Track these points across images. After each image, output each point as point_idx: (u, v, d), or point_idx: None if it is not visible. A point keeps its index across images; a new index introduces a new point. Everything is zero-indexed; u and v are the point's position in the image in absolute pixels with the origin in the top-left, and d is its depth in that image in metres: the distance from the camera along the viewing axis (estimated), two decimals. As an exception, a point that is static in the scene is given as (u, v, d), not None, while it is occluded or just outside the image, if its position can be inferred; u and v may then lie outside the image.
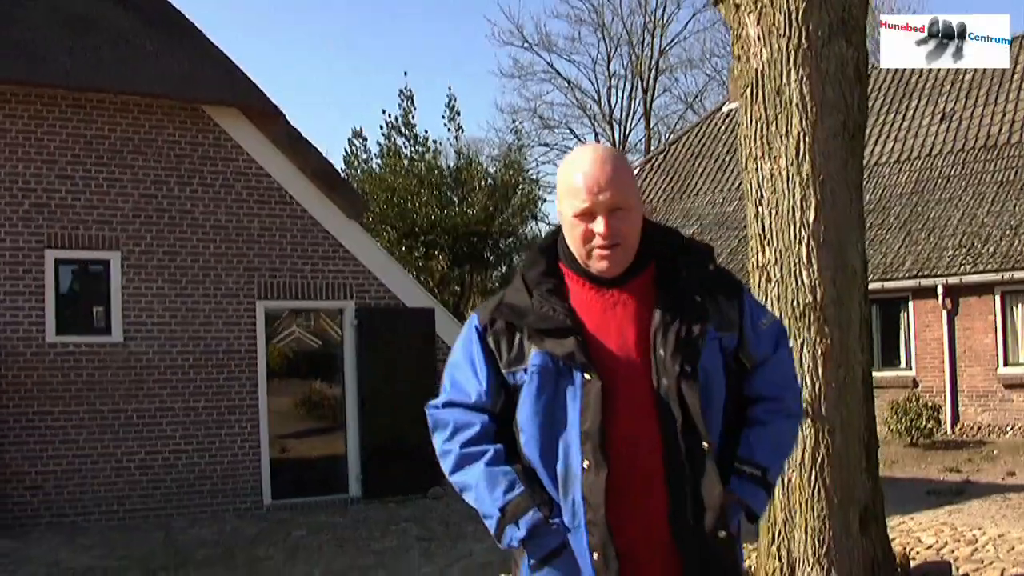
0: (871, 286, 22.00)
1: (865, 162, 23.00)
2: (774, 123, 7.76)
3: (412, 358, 17.77)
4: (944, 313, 24.30)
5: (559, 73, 63.91)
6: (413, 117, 39.30)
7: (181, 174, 16.52)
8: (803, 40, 7.67)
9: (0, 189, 15.22)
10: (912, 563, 8.96)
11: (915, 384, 24.40)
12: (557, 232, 3.71)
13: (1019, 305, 23.77)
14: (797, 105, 7.68)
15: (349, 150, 41.79)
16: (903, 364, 25.23)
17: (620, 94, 68.09)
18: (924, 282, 24.36)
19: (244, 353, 16.87)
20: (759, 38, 7.89)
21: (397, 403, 17.05)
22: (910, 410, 22.34)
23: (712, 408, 3.46)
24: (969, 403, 24.15)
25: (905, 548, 10.18)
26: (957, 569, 9.92)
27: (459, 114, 41.60)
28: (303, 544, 13.69)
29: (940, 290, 24.10)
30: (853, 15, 7.92)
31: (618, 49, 59.66)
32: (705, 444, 3.38)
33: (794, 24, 7.71)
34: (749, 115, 7.97)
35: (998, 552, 11.04)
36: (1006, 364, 23.63)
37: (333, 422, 18.35)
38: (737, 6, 8.09)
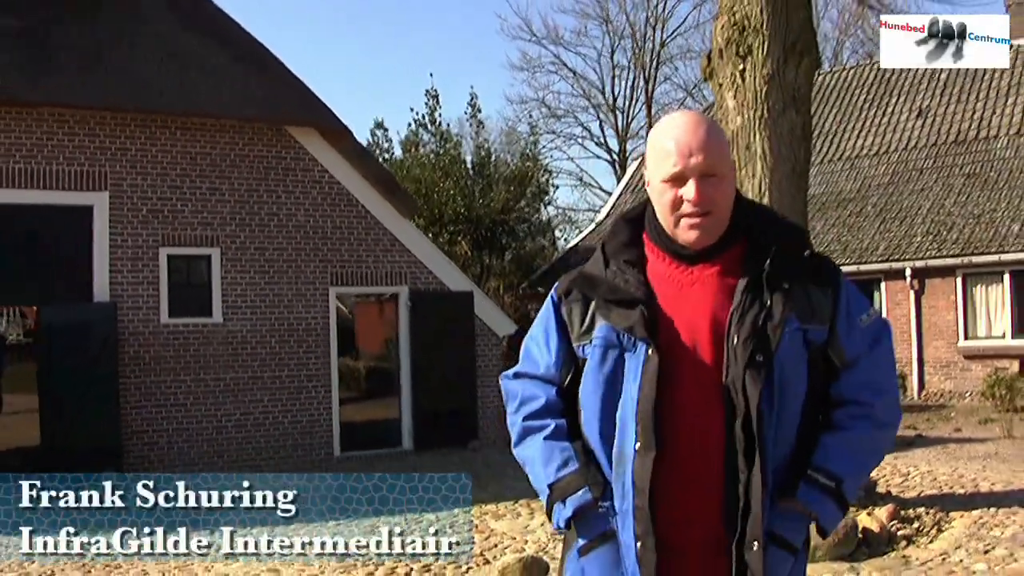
0: (848, 269, 25.18)
1: (847, 155, 26.46)
2: (744, 168, 11.03)
3: (455, 334, 20.77)
4: (912, 293, 26.93)
5: (565, 65, 65.94)
6: (439, 115, 42.14)
7: (268, 183, 19.41)
8: (765, 112, 10.96)
9: (123, 198, 18.02)
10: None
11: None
12: (646, 204, 3.48)
13: (978, 286, 26.28)
14: (760, 156, 10.97)
15: (372, 140, 44.85)
16: None
17: (623, 84, 70.26)
18: (894, 265, 26.95)
19: (319, 331, 19.85)
20: (735, 108, 11.18)
21: (442, 372, 20.38)
22: None
23: (786, 406, 3.19)
24: (934, 372, 26.84)
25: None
26: (883, 487, 13.08)
27: (480, 111, 44.62)
28: (381, 486, 16.58)
29: (908, 272, 26.70)
30: (801, 93, 11.22)
31: (621, 41, 61.89)
32: (757, 443, 3.12)
33: (759, 100, 11.00)
34: (727, 162, 11.26)
35: (922, 482, 14.10)
36: (966, 338, 26.31)
37: (389, 388, 21.31)
38: (720, 85, 11.38)
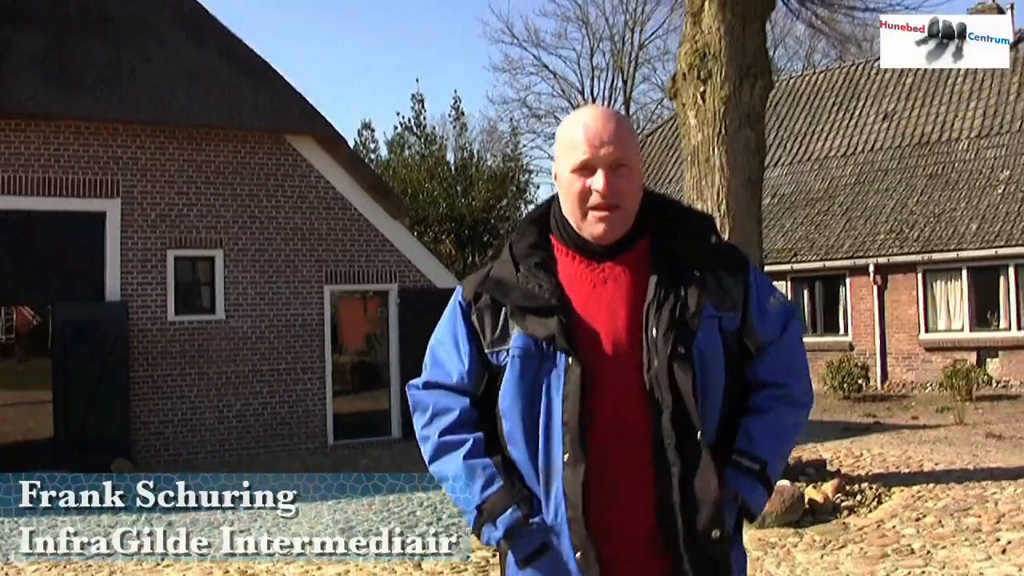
0: (815, 265, 26.45)
1: (816, 156, 27.77)
2: (704, 179, 12.32)
3: (441, 329, 21.93)
4: (875, 288, 28.18)
5: (546, 67, 66.92)
6: (424, 119, 43.49)
7: (268, 188, 20.61)
8: (723, 129, 12.24)
9: (134, 204, 19.18)
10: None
11: (851, 348, 28.26)
12: (550, 202, 3.45)
13: (938, 281, 27.54)
14: (719, 169, 12.26)
15: (359, 140, 46.18)
16: (842, 331, 29.07)
17: (602, 85, 71.09)
18: (859, 262, 28.22)
19: (314, 326, 21.06)
20: (696, 126, 12.48)
21: (429, 366, 21.55)
22: (843, 369, 26.15)
23: (709, 394, 3.17)
24: (896, 364, 28.06)
25: (801, 457, 14.52)
26: (835, 467, 14.37)
27: (463, 113, 45.88)
28: (371, 468, 17.65)
29: (872, 268, 27.97)
30: (755, 112, 12.52)
31: (600, 44, 63.05)
32: (699, 433, 3.09)
33: (718, 119, 12.29)
34: (689, 173, 12.56)
35: (872, 462, 15.36)
36: (927, 331, 27.58)
37: (378, 381, 22.50)
38: (683, 104, 12.68)
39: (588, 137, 3.19)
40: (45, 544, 11.02)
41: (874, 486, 12.66)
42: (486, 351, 3.31)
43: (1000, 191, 27.99)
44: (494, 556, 10.09)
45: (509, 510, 3.19)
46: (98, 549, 10.95)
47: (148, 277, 19.41)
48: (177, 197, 19.74)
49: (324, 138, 21.32)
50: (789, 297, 28.57)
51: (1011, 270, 26.49)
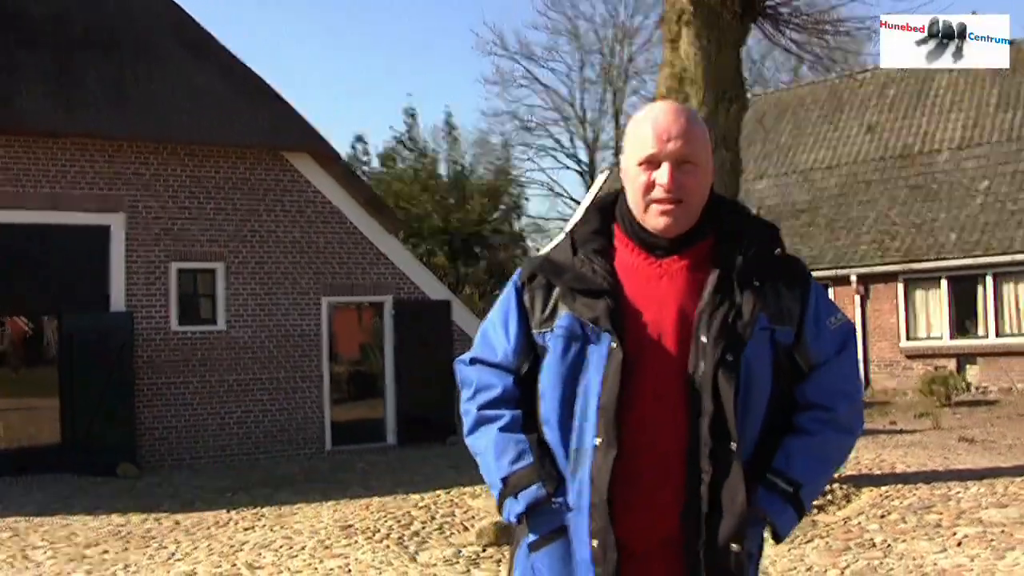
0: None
1: (801, 168, 28.43)
2: (684, 198, 13.01)
3: (434, 340, 22.59)
4: (858, 298, 28.76)
5: (537, 79, 67.12)
6: (416, 133, 44.23)
7: (267, 203, 21.35)
8: (700, 149, 12.95)
9: (138, 218, 19.93)
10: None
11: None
12: (619, 192, 3.37)
13: (918, 290, 28.25)
14: (697, 188, 12.97)
15: (352, 152, 46.77)
16: None
17: (592, 97, 71.37)
18: (841, 272, 28.85)
19: (312, 336, 21.80)
20: (675, 147, 13.19)
21: (422, 374, 22.27)
22: None
23: (750, 407, 3.10)
24: (879, 371, 28.79)
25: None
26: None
27: (455, 128, 46.68)
28: (367, 471, 18.30)
29: (854, 278, 28.67)
30: (731, 133, 13.23)
31: (590, 57, 63.43)
32: (733, 444, 3.01)
33: (695, 140, 13.00)
34: (669, 192, 13.27)
35: (845, 465, 16.00)
36: (908, 339, 28.34)
37: (374, 389, 23.20)
38: (662, 127, 13.38)
39: (656, 131, 3.17)
40: (60, 540, 11.67)
41: (844, 486, 13.31)
42: (533, 331, 3.27)
43: (979, 201, 28.60)
44: (484, 551, 10.82)
45: (534, 486, 3.16)
46: (111, 546, 11.66)
47: (152, 289, 20.14)
48: (179, 212, 20.48)
49: (320, 155, 22.10)
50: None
51: (989, 279, 27.19)
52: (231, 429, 20.92)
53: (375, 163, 46.52)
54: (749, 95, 37.02)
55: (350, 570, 10.35)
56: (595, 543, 3.06)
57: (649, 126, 3.19)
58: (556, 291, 3.24)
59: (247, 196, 21.27)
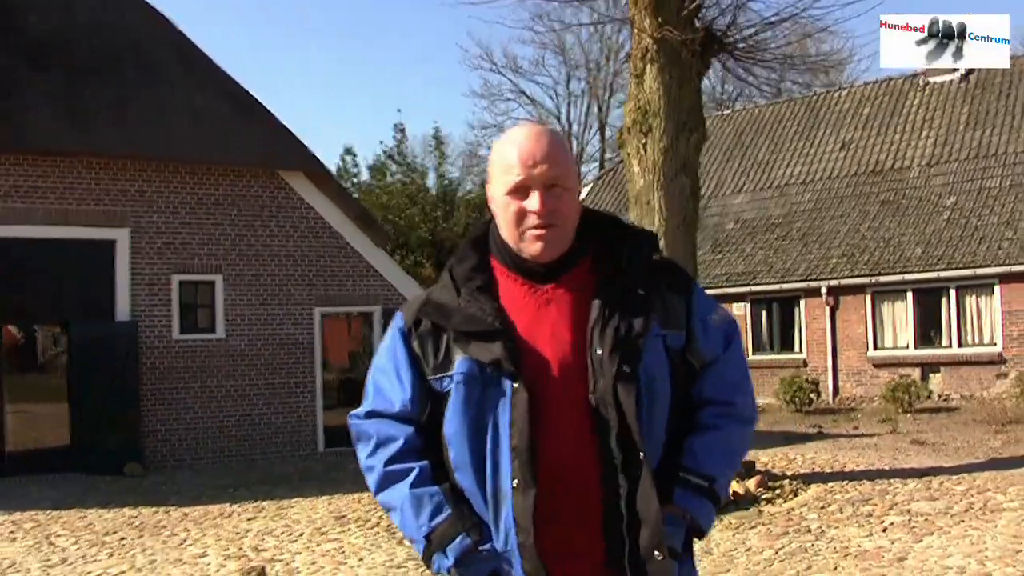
0: (772, 287, 28.12)
1: (777, 183, 29.46)
2: (645, 219, 14.16)
3: (421, 348, 23.72)
4: (828, 309, 29.83)
5: (524, 93, 66.89)
6: (405, 149, 45.49)
7: (263, 219, 22.52)
8: (662, 176, 14.16)
9: (142, 233, 21.06)
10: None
11: (805, 364, 29.93)
12: (489, 223, 3.30)
13: (885, 302, 29.33)
14: (658, 211, 14.16)
15: (341, 164, 48.12)
16: (796, 349, 30.73)
17: (578, 111, 72.01)
18: (812, 284, 29.91)
19: (306, 345, 22.99)
20: (639, 173, 14.41)
21: (411, 380, 23.36)
22: (795, 384, 27.69)
23: (655, 414, 3.07)
24: (847, 379, 29.80)
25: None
26: (770, 468, 16.24)
27: (443, 143, 47.86)
28: (360, 471, 19.34)
29: (824, 290, 29.68)
30: (690, 161, 14.45)
31: (576, 71, 64.32)
32: (641, 453, 2.97)
33: (657, 167, 14.21)
34: (633, 213, 14.46)
35: (802, 464, 17.04)
36: (875, 348, 29.38)
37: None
38: (628, 154, 14.62)
39: (522, 158, 3.08)
40: (80, 529, 12.85)
41: (793, 482, 14.54)
42: (429, 378, 3.16)
43: (945, 217, 29.67)
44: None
45: (459, 538, 3.07)
46: (127, 533, 12.85)
47: (155, 299, 21.27)
48: (181, 227, 21.62)
49: (314, 174, 23.34)
50: (748, 318, 30.67)
51: (952, 292, 28.27)
52: (230, 432, 22.02)
53: (364, 175, 47.79)
54: (730, 111, 38.16)
55: (344, 551, 11.65)
56: None
57: (514, 153, 3.11)
58: (446, 335, 3.15)
59: (244, 212, 22.39)
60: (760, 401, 21.58)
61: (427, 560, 3.13)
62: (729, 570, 10.20)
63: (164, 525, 13.91)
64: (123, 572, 11.12)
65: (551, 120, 58.06)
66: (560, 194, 3.08)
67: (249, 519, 14.17)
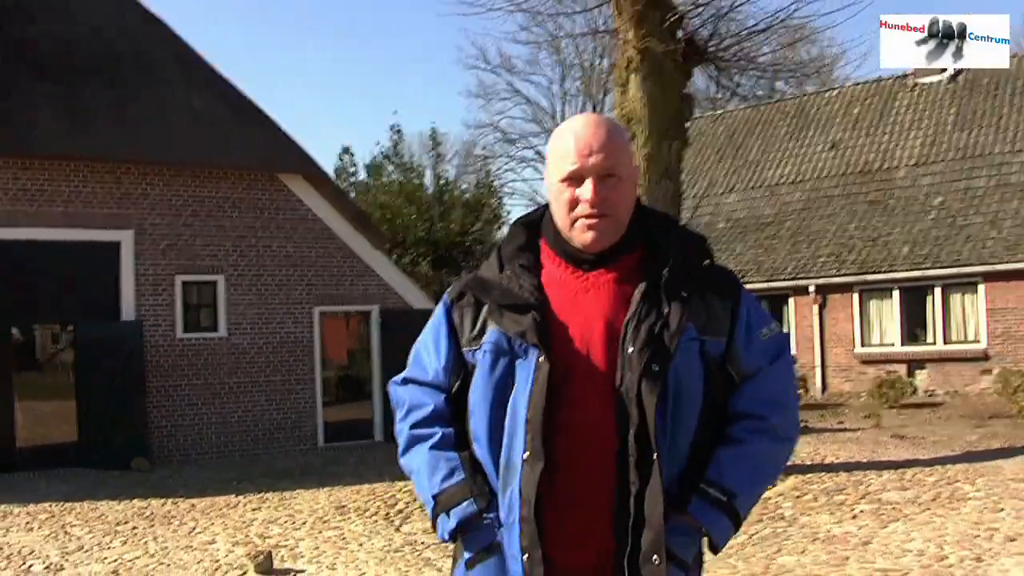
0: (761, 286, 28.65)
1: (767, 183, 30.20)
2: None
3: (417, 346, 24.26)
4: (816, 307, 30.49)
5: (519, 92, 67.01)
6: (401, 150, 46.04)
7: (263, 221, 23.04)
8: (645, 181, 14.68)
9: (146, 235, 21.58)
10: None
11: (794, 361, 30.04)
12: (544, 208, 3.33)
13: (872, 300, 29.95)
14: (643, 214, 14.80)
15: (339, 164, 48.75)
16: None
17: (572, 110, 71.52)
18: (801, 282, 30.54)
19: (305, 343, 23.53)
20: (625, 178, 15.04)
21: (407, 379, 23.93)
22: None
23: (680, 418, 3.03)
24: (834, 375, 30.45)
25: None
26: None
27: (440, 143, 48.40)
28: (359, 465, 19.82)
29: (812, 289, 30.36)
30: (672, 167, 15.05)
31: (570, 70, 64.45)
32: (655, 454, 2.93)
33: (641, 173, 14.79)
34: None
35: None
36: (862, 345, 30.07)
37: (362, 391, 24.94)
38: (614, 160, 15.23)
39: (578, 146, 3.09)
40: (93, 519, 13.48)
41: (774, 474, 15.13)
42: (463, 349, 3.23)
43: (932, 216, 30.22)
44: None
45: (465, 502, 3.11)
46: (138, 523, 13.48)
47: (159, 299, 21.78)
48: (183, 228, 22.12)
49: (313, 176, 23.87)
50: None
51: (938, 290, 28.88)
52: (232, 427, 22.53)
53: (362, 174, 48.37)
54: (723, 111, 38.61)
55: (345, 538, 12.36)
56: (525, 558, 3.01)
57: (571, 140, 3.12)
58: (485, 308, 3.20)
59: (245, 214, 22.88)
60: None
61: (434, 522, 3.19)
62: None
63: (173, 515, 14.53)
64: (137, 558, 11.79)
65: (546, 119, 58.80)
66: (615, 184, 3.11)
67: (254, 509, 14.82)
